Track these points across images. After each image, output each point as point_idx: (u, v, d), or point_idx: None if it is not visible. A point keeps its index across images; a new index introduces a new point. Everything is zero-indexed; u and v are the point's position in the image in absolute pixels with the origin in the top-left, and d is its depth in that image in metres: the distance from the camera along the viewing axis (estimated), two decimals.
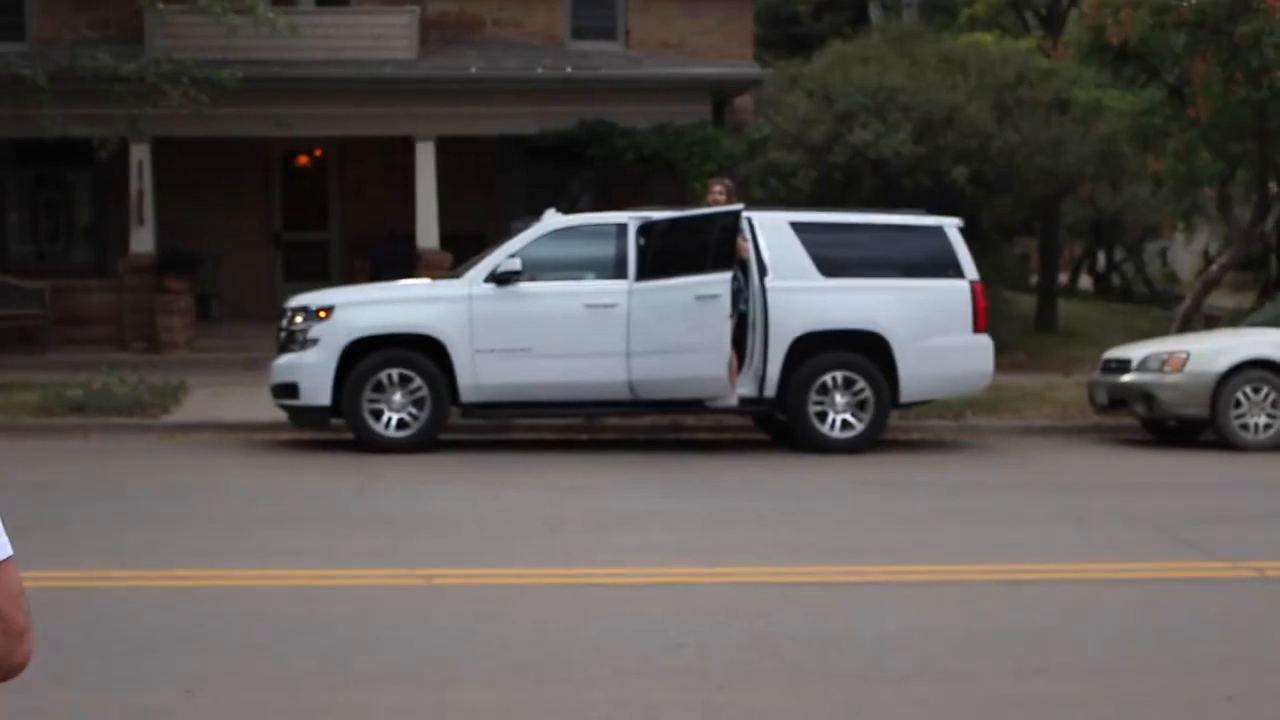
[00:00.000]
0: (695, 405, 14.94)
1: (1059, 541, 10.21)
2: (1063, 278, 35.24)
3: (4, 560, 2.31)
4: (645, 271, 14.51)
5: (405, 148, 22.37)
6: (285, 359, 14.71)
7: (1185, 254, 43.10)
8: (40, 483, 12.31)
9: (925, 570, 9.13)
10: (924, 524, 10.94)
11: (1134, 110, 22.18)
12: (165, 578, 8.74)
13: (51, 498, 11.49)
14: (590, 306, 14.51)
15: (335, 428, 14.87)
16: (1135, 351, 16.62)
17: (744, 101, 24.56)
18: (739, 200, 15.59)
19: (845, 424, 14.91)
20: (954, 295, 15.22)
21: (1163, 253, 44.81)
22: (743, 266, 14.71)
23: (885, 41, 24.52)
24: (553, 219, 15.15)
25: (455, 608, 8.07)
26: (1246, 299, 30.86)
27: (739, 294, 14.62)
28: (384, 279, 17.88)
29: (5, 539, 2.32)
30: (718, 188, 15.78)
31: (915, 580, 8.87)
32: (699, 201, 17.73)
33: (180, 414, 16.69)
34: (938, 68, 22.63)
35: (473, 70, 22.53)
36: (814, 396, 14.86)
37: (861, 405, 14.96)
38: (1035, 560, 9.47)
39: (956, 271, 15.26)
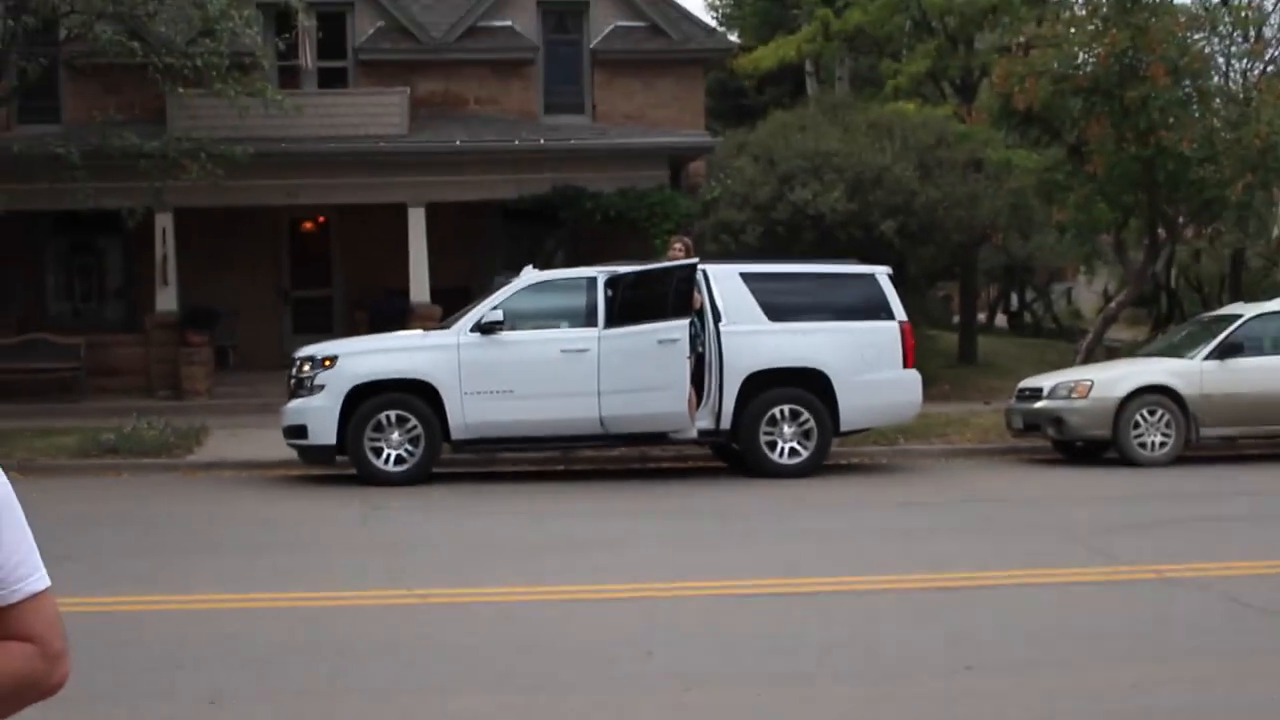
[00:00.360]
0: (659, 438, 14.88)
1: (984, 551, 10.20)
2: (981, 317, 35.33)
3: (43, 590, 2.30)
4: (613, 319, 14.49)
5: (398, 213, 22.30)
6: (295, 403, 14.62)
7: (1087, 293, 43.28)
8: (77, 517, 12.20)
9: (867, 580, 9.11)
10: (865, 539, 10.93)
11: (1039, 167, 22.32)
12: (188, 601, 8.65)
13: (87, 531, 11.39)
14: (565, 352, 14.49)
15: (340, 464, 14.79)
16: (1046, 381, 16.67)
17: (698, 166, 24.60)
18: (696, 255, 15.59)
19: (793, 451, 14.91)
20: (886, 335, 15.24)
21: (1067, 293, 44.99)
22: (699, 314, 14.71)
23: (820, 111, 24.63)
24: (530, 274, 15.13)
25: (448, 624, 8.01)
26: (1141, 332, 31.02)
27: (696, 338, 14.61)
28: (381, 330, 17.81)
29: (43, 571, 2.32)
30: (677, 245, 15.78)
31: (859, 589, 8.84)
32: (660, 256, 17.74)
33: (202, 454, 16.58)
34: (867, 133, 22.72)
35: (458, 143, 22.49)
36: (764, 428, 14.85)
37: (807, 434, 14.95)
38: (963, 569, 9.45)
39: (888, 314, 15.29)
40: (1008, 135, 23.16)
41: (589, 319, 14.63)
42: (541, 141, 22.73)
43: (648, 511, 12.58)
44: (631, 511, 12.60)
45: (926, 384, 16.03)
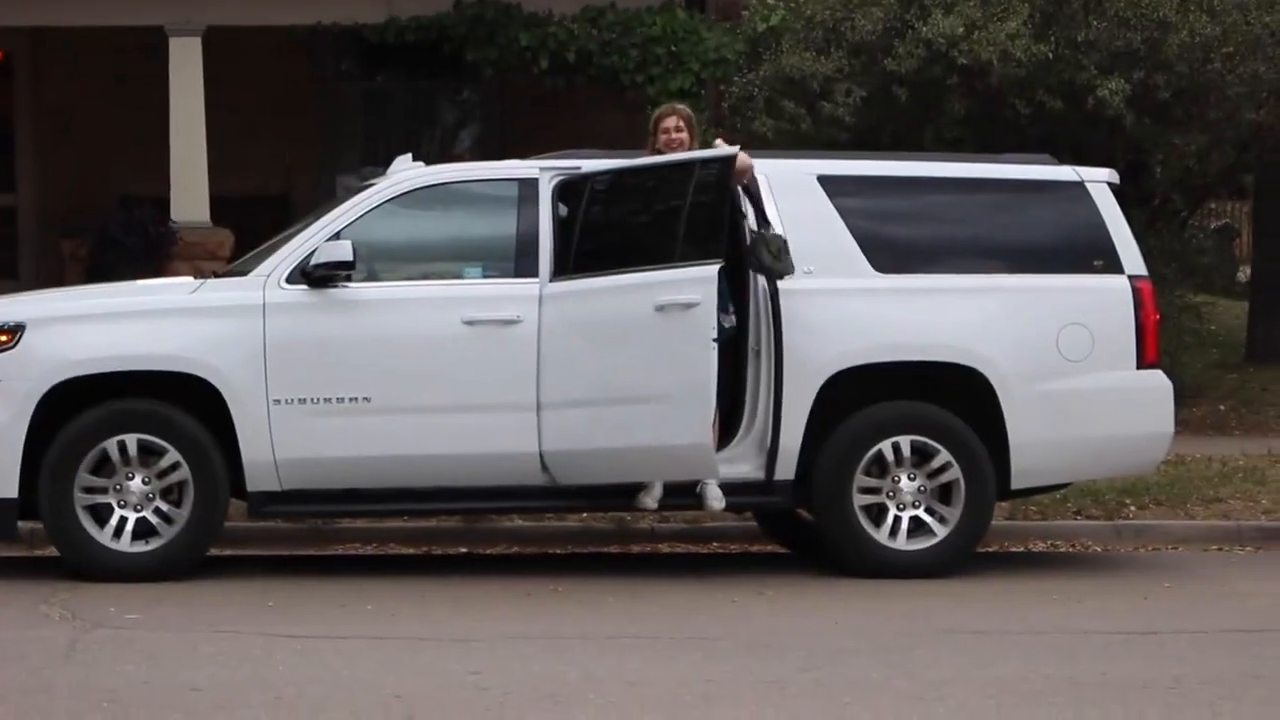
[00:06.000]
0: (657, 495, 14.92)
1: None
2: None
3: None
4: (570, 263, 14.64)
5: (150, 48, 22.46)
6: None
7: None
8: None
9: None
10: (1051, 705, 10.83)
11: None
12: None
13: None
14: (474, 324, 14.60)
15: (29, 537, 14.84)
16: None
17: None
18: (736, 141, 15.61)
19: (918, 525, 15.01)
20: (1105, 302, 15.37)
21: None
22: (738, 256, 14.75)
23: None
24: (408, 172, 15.26)
25: None
26: None
27: (732, 302, 14.67)
28: (113, 276, 17.82)
29: None
30: (673, 121, 15.45)
31: None
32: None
33: None
34: None
35: None
36: (863, 479, 14.94)
37: (945, 493, 15.03)
38: None
39: (1109, 262, 15.42)
40: None
41: (523, 261, 14.81)
42: None
43: (630, 639, 12.61)
44: (599, 638, 12.63)
45: (1185, 399, 16.17)
